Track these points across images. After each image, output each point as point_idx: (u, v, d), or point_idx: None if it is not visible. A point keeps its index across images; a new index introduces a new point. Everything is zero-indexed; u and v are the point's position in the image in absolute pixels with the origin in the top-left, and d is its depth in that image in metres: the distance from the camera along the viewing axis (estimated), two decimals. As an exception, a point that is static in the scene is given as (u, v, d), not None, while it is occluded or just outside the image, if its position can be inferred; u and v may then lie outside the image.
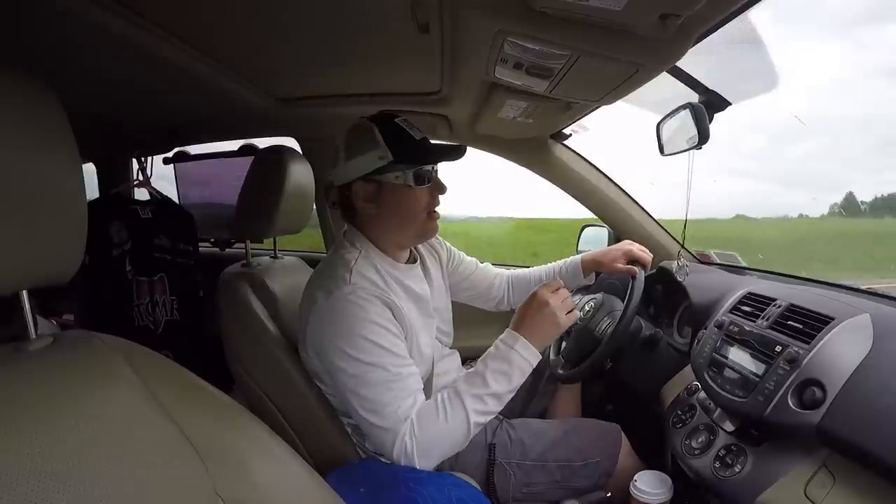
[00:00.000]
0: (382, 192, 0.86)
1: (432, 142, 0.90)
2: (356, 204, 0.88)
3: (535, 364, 0.83)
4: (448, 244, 1.15)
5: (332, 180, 0.91)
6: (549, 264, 1.23)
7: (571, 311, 0.86)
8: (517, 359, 0.81)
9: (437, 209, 0.91)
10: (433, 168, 0.89)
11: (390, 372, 0.78)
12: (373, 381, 0.78)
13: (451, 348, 1.09)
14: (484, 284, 1.20)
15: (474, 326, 1.35)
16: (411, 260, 0.97)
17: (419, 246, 1.04)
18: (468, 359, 1.24)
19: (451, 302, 1.11)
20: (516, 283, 1.22)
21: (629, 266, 1.08)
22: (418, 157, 0.85)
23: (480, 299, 1.22)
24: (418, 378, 0.83)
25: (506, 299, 1.23)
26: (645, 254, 1.10)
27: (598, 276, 1.27)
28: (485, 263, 1.23)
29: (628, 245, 1.12)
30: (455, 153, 0.90)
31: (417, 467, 0.78)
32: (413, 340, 0.86)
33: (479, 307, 1.24)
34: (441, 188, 0.90)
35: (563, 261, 1.21)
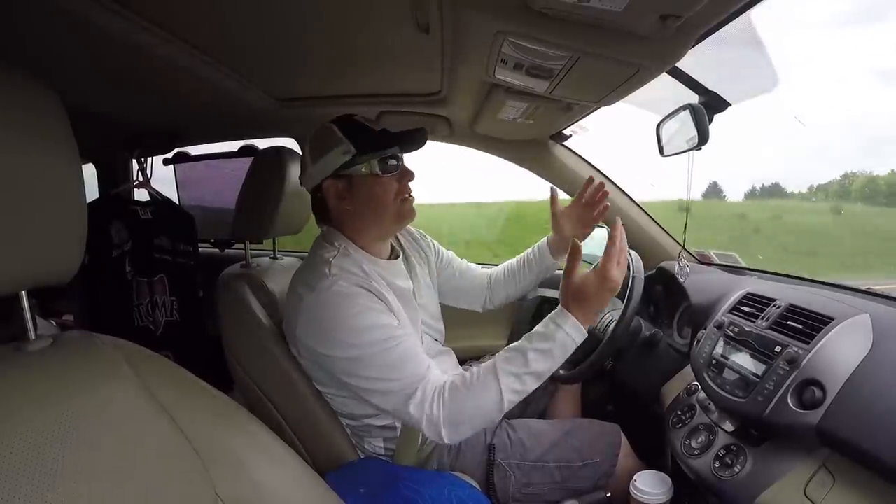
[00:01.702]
0: (353, 186, 0.88)
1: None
2: (330, 203, 0.90)
3: (579, 342, 0.80)
4: (436, 244, 1.14)
5: (303, 186, 0.93)
6: (518, 256, 1.20)
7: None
8: (562, 337, 0.79)
9: (410, 194, 0.92)
10: (398, 157, 0.90)
11: (389, 345, 0.78)
12: (374, 360, 0.77)
13: (446, 347, 1.09)
14: (471, 285, 1.19)
15: (473, 327, 1.36)
16: (393, 256, 0.98)
17: (402, 242, 1.04)
18: (467, 359, 1.24)
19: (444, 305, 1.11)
20: (494, 281, 1.20)
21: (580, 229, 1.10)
22: (380, 144, 0.87)
23: (468, 300, 1.20)
24: (418, 344, 0.83)
25: (487, 299, 1.21)
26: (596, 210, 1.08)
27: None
28: (471, 264, 1.22)
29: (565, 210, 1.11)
30: (416, 137, 0.91)
31: (445, 439, 0.76)
32: None
33: (467, 309, 1.22)
34: (408, 174, 0.91)
35: (531, 248, 1.18)
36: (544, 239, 1.15)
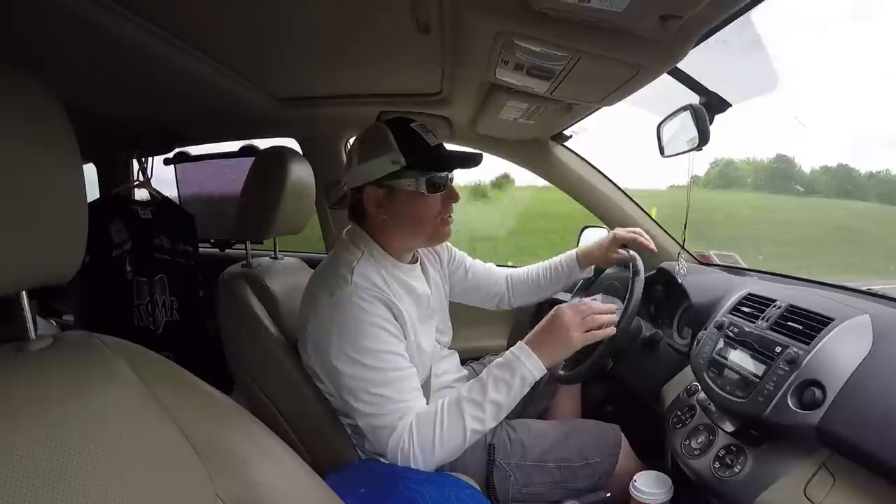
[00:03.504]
0: (394, 197, 0.85)
1: (448, 147, 0.88)
2: (367, 207, 0.87)
3: (538, 377, 0.81)
4: (449, 244, 1.14)
5: (344, 182, 0.90)
6: (546, 262, 1.22)
7: (590, 330, 0.83)
8: (521, 369, 0.80)
9: (450, 215, 0.90)
10: (447, 175, 0.87)
11: (389, 373, 0.79)
12: (372, 383, 0.78)
13: (449, 348, 1.09)
14: (485, 284, 1.19)
15: (473, 327, 1.36)
16: (413, 260, 0.98)
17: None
18: (467, 359, 1.24)
19: (451, 302, 1.11)
20: (515, 282, 1.22)
21: (621, 253, 1.08)
22: (432, 165, 0.84)
23: (481, 299, 1.21)
24: (416, 379, 0.83)
25: (506, 298, 1.22)
26: (635, 234, 1.10)
27: (598, 272, 1.27)
28: (488, 264, 1.22)
29: (620, 232, 1.12)
30: (470, 161, 0.88)
31: (420, 467, 0.78)
32: (413, 340, 0.87)
33: (480, 306, 1.23)
34: (454, 196, 0.89)
35: (559, 257, 1.20)
36: (573, 251, 1.18)
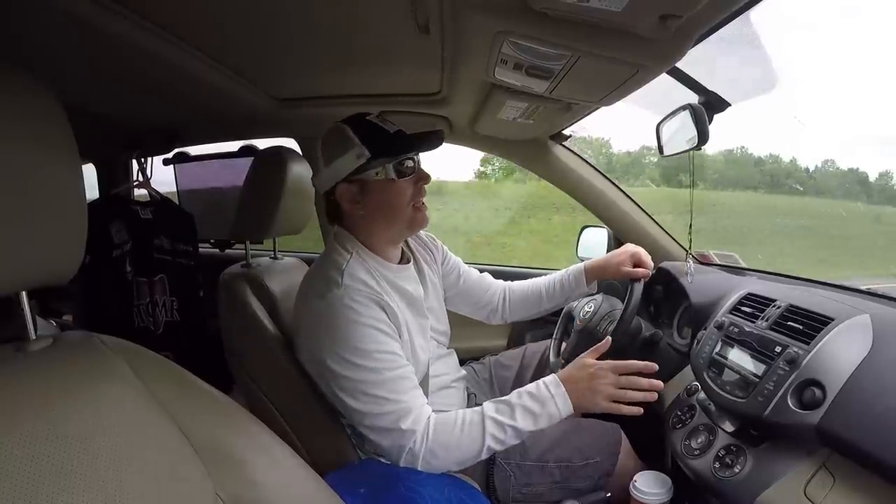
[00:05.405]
0: (366, 190, 0.86)
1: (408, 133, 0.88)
2: (343, 207, 0.88)
3: (564, 417, 0.80)
4: (445, 248, 1.13)
5: (316, 188, 0.91)
6: (550, 275, 1.18)
7: (619, 400, 0.79)
8: (550, 407, 0.79)
9: (423, 200, 0.90)
10: (414, 159, 0.88)
11: (385, 373, 0.79)
12: (368, 384, 0.78)
13: (448, 348, 1.09)
14: (477, 292, 1.17)
15: (473, 327, 1.35)
16: (404, 260, 0.97)
17: (413, 246, 1.04)
18: (466, 359, 1.24)
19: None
20: (514, 296, 1.18)
21: (636, 269, 1.05)
22: (396, 149, 0.85)
23: (472, 307, 1.18)
24: (414, 377, 0.83)
25: (499, 312, 1.18)
26: (648, 259, 1.07)
27: (601, 286, 1.25)
28: (483, 274, 1.20)
29: (633, 248, 1.09)
30: (432, 139, 0.88)
31: (419, 468, 0.78)
32: (407, 341, 0.87)
33: (470, 316, 1.21)
34: (424, 178, 0.89)
35: (564, 270, 1.16)
36: (580, 265, 1.14)
